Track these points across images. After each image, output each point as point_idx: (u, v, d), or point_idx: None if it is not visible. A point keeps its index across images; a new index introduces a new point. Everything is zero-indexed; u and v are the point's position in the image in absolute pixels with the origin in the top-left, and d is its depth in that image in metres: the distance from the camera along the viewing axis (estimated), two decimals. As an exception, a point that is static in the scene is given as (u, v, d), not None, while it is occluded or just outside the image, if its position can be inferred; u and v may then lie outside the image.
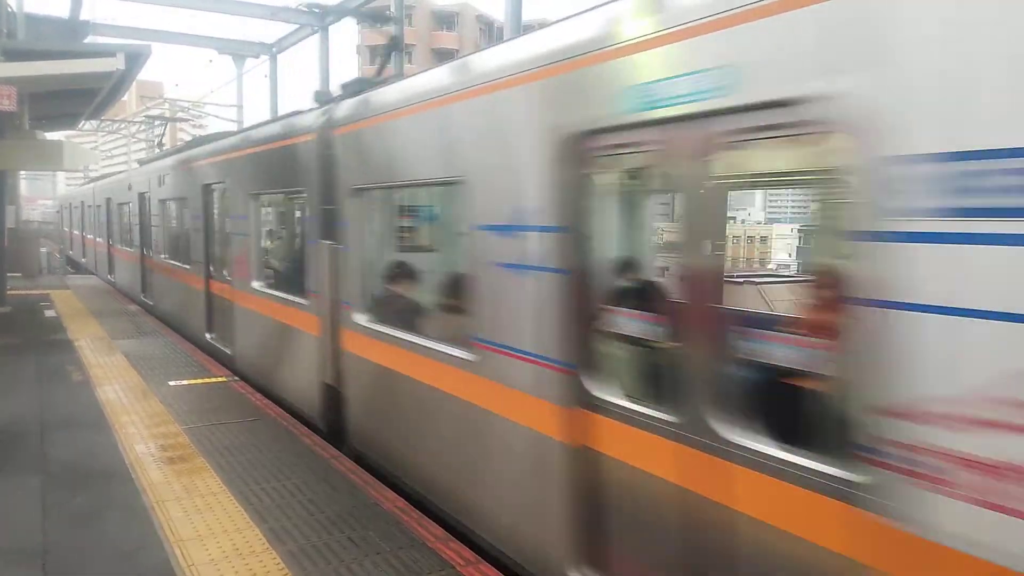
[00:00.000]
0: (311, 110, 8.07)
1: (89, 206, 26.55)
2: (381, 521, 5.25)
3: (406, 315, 6.34)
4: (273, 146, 8.65)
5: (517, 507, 4.61)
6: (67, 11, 17.93)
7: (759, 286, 10.39)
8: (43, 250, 27.25)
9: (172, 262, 13.80)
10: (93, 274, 25.83)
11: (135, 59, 12.08)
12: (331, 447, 6.89)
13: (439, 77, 5.58)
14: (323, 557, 4.70)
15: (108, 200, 21.48)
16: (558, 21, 4.37)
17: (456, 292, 5.54)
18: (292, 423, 7.64)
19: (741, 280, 10.92)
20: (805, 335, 3.71)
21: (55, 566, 4.60)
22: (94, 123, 36.81)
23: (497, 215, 4.59)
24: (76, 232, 32.56)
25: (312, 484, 5.94)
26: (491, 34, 58.56)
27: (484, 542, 4.97)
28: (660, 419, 3.50)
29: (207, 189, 11.36)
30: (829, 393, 3.12)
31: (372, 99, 6.56)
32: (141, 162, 20.18)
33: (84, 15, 18.30)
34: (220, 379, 9.58)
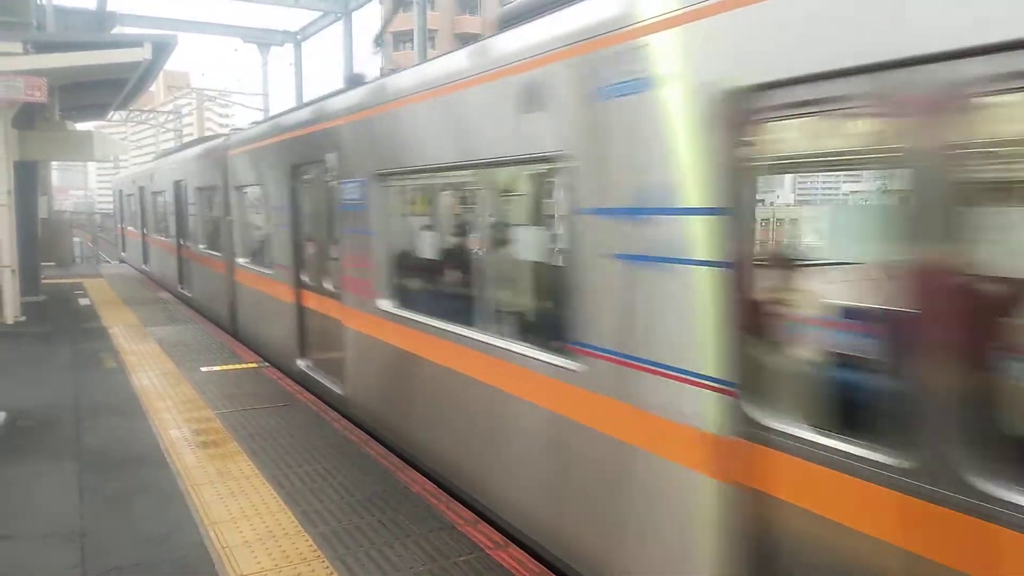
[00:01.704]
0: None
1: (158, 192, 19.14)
2: (411, 504, 5.28)
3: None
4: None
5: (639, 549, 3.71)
6: (94, 2, 18.14)
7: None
8: (76, 240, 27.72)
9: (251, 267, 11.07)
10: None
11: (162, 49, 12.19)
12: (361, 431, 6.94)
13: (522, 37, 4.52)
14: (354, 540, 4.74)
15: (178, 183, 16.05)
16: None
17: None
18: (323, 408, 7.70)
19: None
20: None
21: (93, 548, 4.68)
22: (123, 113, 37.29)
23: (617, 196, 3.73)
24: (134, 230, 24.02)
25: (343, 468, 5.99)
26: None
27: None
28: (874, 461, 2.64)
29: (296, 171, 8.86)
30: None
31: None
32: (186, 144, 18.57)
33: (111, 6, 18.52)
34: (251, 365, 9.68)
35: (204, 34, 24.24)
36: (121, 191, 27.17)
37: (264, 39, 25.17)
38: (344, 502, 5.32)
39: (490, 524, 4.99)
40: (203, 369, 9.40)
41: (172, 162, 17.47)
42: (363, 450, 6.41)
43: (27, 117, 13.79)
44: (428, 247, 7.08)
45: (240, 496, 5.44)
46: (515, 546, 4.67)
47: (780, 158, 4.04)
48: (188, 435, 6.83)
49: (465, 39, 53.98)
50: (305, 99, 18.53)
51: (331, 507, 5.23)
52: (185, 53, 79.19)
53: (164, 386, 8.60)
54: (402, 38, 57.02)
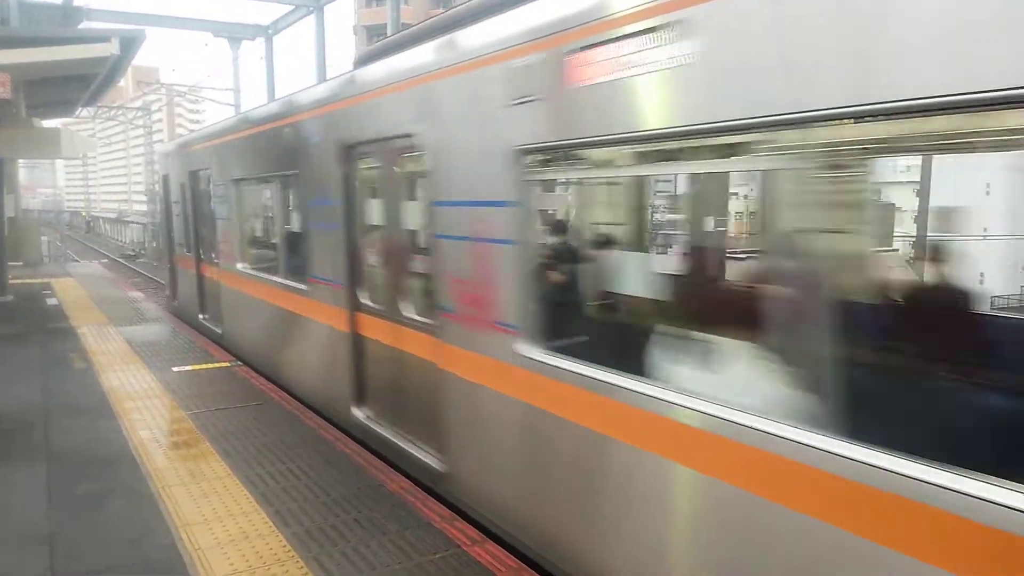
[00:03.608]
0: None
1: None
2: (386, 502, 5.25)
3: None
4: None
5: None
6: (60, -4, 17.82)
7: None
8: (44, 239, 27.25)
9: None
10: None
11: (130, 44, 12.01)
12: (336, 429, 6.89)
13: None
14: (329, 539, 4.71)
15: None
16: None
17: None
18: (296, 407, 7.64)
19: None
20: None
21: (62, 551, 4.60)
22: (91, 110, 36.72)
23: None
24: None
25: (317, 466, 5.94)
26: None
27: None
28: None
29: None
30: None
31: None
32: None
33: (78, 1, 18.18)
34: (223, 364, 9.58)
35: (174, 29, 23.86)
36: (170, 178, 13.88)
37: (235, 33, 24.87)
38: (319, 501, 5.28)
39: (468, 521, 4.98)
40: (175, 369, 9.28)
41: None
42: (339, 449, 6.36)
43: (-9, 114, 13.52)
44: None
45: (212, 497, 5.37)
46: (492, 542, 4.67)
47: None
48: (159, 436, 6.74)
49: (439, 34, 53.72)
50: (277, 95, 18.26)
51: (305, 506, 5.19)
52: (154, 48, 77.90)
53: (134, 386, 8.47)
54: (375, 32, 56.77)
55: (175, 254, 14.03)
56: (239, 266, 10.05)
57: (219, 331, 11.18)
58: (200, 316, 12.28)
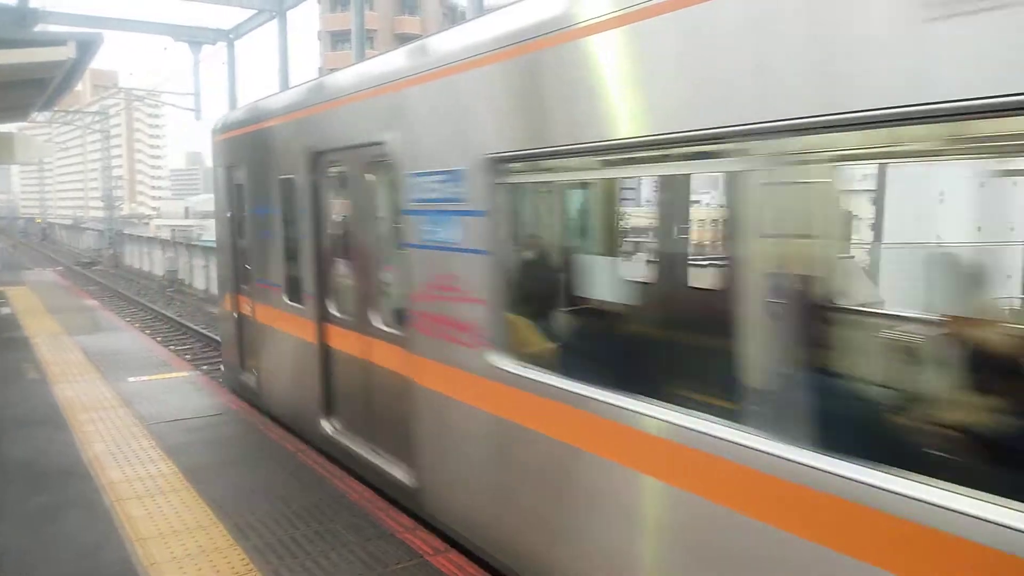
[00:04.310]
0: None
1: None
2: (348, 513, 5.19)
3: None
4: None
5: None
6: (14, -2, 17.41)
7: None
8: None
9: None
10: None
11: (87, 47, 11.77)
12: (298, 440, 6.80)
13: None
14: (289, 551, 4.63)
15: None
16: None
17: None
18: (259, 419, 7.52)
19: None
20: None
21: (13, 566, 4.47)
22: (47, 114, 35.95)
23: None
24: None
25: (278, 478, 5.85)
26: (455, 18, 58.19)
27: None
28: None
29: (318, 161, 6.25)
30: None
31: None
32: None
33: (33, 3, 17.78)
34: (182, 374, 9.41)
35: (133, 32, 23.44)
36: (241, 171, 8.47)
37: (196, 37, 24.53)
38: (279, 513, 5.20)
39: (432, 531, 4.95)
40: (131, 379, 9.09)
41: None
42: (299, 460, 6.28)
43: (-59, 118, 13.17)
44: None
45: (169, 511, 5.26)
46: (455, 551, 4.64)
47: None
48: (113, 448, 6.58)
49: (405, 40, 53.67)
50: (240, 101, 18.03)
51: (265, 519, 5.10)
52: (112, 51, 76.52)
53: (89, 397, 8.28)
54: (340, 37, 56.36)
55: (252, 296, 8.22)
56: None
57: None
58: (324, 423, 6.57)
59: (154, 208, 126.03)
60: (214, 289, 24.76)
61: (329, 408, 6.44)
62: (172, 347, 15.03)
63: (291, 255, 6.99)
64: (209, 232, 44.52)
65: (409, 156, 4.94)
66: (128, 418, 7.49)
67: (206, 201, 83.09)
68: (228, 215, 8.74)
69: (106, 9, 30.48)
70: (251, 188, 7.97)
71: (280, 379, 7.57)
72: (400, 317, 5.29)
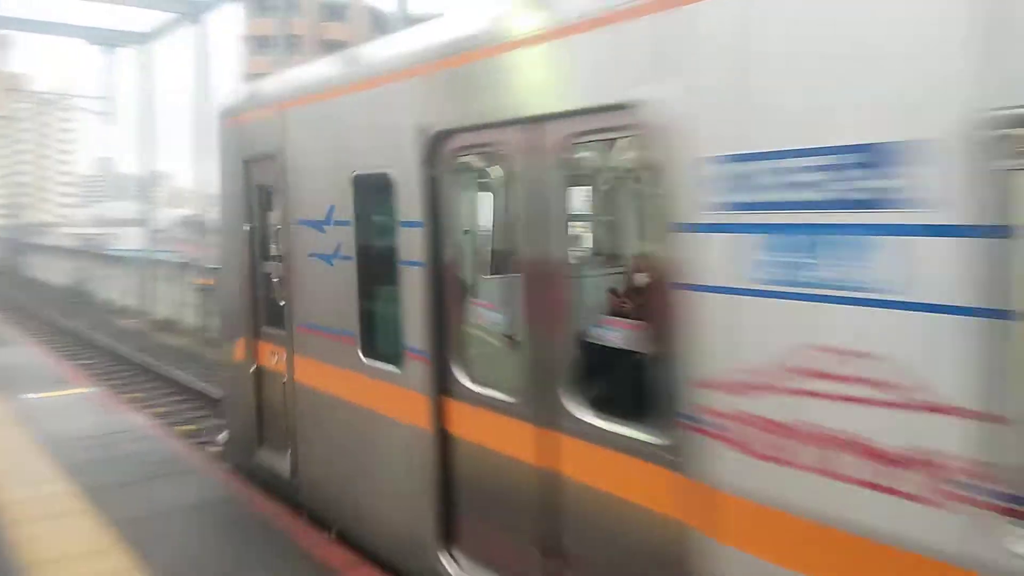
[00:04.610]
0: None
1: None
2: (259, 531, 5.05)
3: None
4: None
5: None
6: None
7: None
8: None
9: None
10: None
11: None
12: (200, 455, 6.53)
13: None
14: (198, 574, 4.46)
15: None
16: None
17: None
18: (156, 435, 7.24)
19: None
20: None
21: None
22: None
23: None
24: None
25: (182, 496, 5.64)
26: (382, 27, 57.88)
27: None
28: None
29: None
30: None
31: None
32: None
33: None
34: (79, 390, 8.99)
35: (44, 34, 22.49)
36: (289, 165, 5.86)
37: (111, 40, 23.69)
38: (185, 535, 5.00)
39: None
40: (24, 396, 8.62)
41: None
42: (202, 475, 6.07)
43: None
44: None
45: (66, 534, 5.00)
46: (368, 565, 4.56)
47: None
48: (8, 468, 6.24)
49: (332, 47, 52.96)
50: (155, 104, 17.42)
51: (169, 541, 4.89)
52: (23, 53, 73.22)
53: (-20, 415, 7.81)
54: (264, 43, 55.35)
55: (289, 346, 5.80)
56: None
57: None
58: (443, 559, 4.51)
59: (61, 216, 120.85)
60: (122, 301, 23.80)
61: (451, 534, 4.24)
62: (77, 361, 14.35)
63: (375, 290, 4.94)
64: (123, 240, 42.76)
65: (719, 122, 2.73)
66: (23, 436, 7.09)
67: (117, 208, 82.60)
68: (247, 228, 6.33)
69: (16, 10, 29.22)
70: (296, 190, 5.58)
71: (339, 471, 5.23)
72: (659, 410, 3.08)
